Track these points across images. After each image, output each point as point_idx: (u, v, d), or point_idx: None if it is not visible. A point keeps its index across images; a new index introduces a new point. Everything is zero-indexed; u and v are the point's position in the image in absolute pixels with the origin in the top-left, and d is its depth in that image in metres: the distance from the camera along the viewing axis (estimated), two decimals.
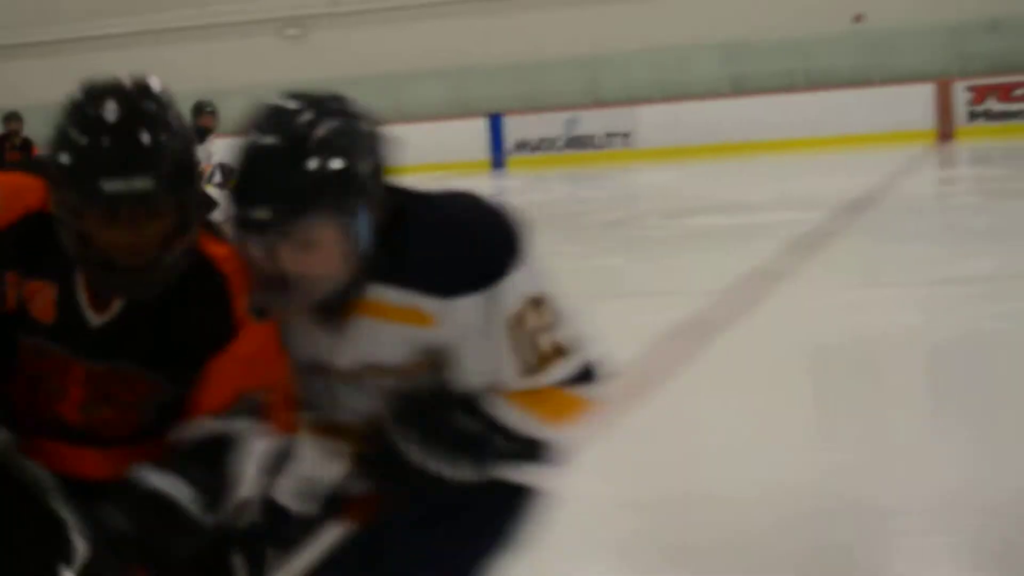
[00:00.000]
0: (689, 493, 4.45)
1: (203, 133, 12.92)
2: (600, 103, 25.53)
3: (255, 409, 2.15)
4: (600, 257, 10.46)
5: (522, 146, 25.68)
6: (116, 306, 2.17)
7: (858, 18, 25.07)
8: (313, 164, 2.04)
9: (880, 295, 7.91)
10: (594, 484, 4.43)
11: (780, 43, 25.15)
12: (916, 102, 23.47)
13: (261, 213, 2.05)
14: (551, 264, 2.19)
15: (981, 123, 23.28)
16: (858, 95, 23.95)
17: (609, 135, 24.87)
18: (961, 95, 23.41)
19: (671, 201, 11.06)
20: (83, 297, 2.16)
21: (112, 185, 1.96)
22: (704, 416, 5.53)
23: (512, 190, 20.65)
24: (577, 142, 24.89)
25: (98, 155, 1.98)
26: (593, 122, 24.89)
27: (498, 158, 25.68)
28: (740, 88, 25.26)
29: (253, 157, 2.09)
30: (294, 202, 2.04)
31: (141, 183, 1.96)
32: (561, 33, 26.46)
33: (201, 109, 13.37)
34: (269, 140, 2.08)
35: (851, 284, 8.32)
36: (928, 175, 17.74)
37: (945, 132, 23.25)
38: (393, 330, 2.18)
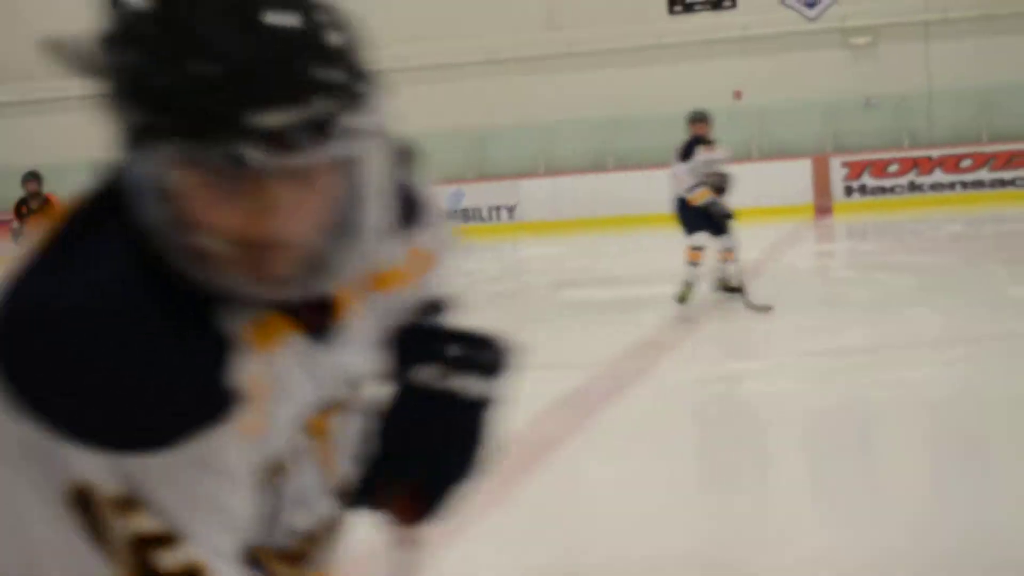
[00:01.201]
0: (578, 562, 4.50)
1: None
2: (485, 177, 25.70)
3: None
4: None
5: None
6: None
7: (737, 95, 25.60)
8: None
9: (760, 366, 8.05)
10: (485, 554, 4.48)
11: (660, 118, 25.58)
12: (794, 177, 23.97)
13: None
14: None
15: (857, 198, 23.83)
16: (737, 170, 24.41)
17: (494, 208, 25.01)
18: (837, 171, 23.95)
19: (555, 274, 11.20)
20: None
21: None
22: (591, 486, 5.60)
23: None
24: (463, 215, 25.06)
25: None
26: (478, 195, 24.99)
27: None
28: (622, 163, 25.62)
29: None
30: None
31: None
32: (446, 106, 26.67)
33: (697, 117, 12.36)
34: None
35: (732, 355, 8.46)
36: (806, 249, 18.10)
37: (823, 207, 23.75)
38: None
